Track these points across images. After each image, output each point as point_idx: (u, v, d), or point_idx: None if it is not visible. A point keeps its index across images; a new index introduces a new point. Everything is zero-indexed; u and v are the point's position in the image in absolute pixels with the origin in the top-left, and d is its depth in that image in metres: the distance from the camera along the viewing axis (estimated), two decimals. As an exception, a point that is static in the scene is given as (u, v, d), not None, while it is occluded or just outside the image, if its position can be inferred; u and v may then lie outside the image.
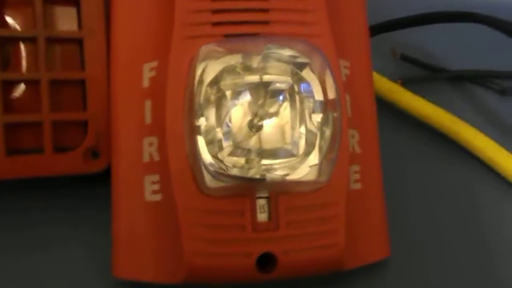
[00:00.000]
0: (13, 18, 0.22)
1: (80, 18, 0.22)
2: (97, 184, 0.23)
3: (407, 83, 0.29)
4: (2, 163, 0.21)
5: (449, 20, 0.25)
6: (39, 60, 0.21)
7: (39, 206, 0.23)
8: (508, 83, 0.31)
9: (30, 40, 0.21)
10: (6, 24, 0.22)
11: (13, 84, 0.22)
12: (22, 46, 0.22)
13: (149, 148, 0.21)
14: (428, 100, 0.28)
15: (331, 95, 0.20)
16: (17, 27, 0.22)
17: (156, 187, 0.20)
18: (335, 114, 0.19)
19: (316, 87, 0.20)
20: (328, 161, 0.19)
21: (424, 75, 0.31)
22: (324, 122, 0.19)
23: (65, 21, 0.22)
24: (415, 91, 0.29)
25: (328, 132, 0.19)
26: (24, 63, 0.22)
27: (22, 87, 0.22)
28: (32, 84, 0.22)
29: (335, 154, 0.19)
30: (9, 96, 0.22)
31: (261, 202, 0.20)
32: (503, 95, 0.31)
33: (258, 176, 0.19)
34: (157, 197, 0.20)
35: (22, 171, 0.21)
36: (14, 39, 0.21)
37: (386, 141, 0.24)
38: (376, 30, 0.28)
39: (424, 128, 0.28)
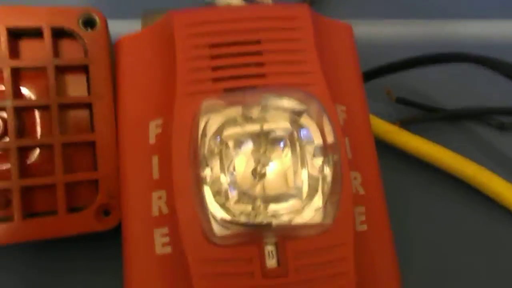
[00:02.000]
0: (28, 88, 0.23)
1: (89, 84, 0.23)
2: (106, 243, 0.24)
3: (405, 124, 0.30)
4: (18, 226, 0.22)
5: (440, 62, 0.26)
6: (53, 126, 0.23)
7: (50, 267, 0.24)
8: (506, 118, 0.32)
9: (43, 108, 0.23)
10: (21, 94, 0.23)
11: (28, 149, 0.23)
12: (36, 114, 0.23)
13: (158, 201, 0.21)
14: (428, 140, 0.29)
15: (330, 139, 0.20)
16: (32, 96, 0.23)
17: (166, 239, 0.21)
18: (335, 157, 0.20)
19: (315, 132, 0.21)
20: (331, 203, 0.20)
21: (422, 116, 0.32)
22: (325, 165, 0.20)
23: (75, 87, 0.24)
24: (414, 132, 0.29)
25: (329, 175, 0.20)
26: (38, 129, 0.23)
27: (36, 152, 0.23)
28: (46, 148, 0.23)
29: (338, 196, 0.20)
30: (25, 161, 0.23)
31: (269, 248, 0.20)
32: (502, 130, 0.31)
33: (264, 222, 0.19)
34: (168, 250, 0.21)
35: (37, 234, 0.22)
36: (29, 108, 0.23)
37: (390, 182, 0.25)
38: (370, 75, 0.29)
39: (426, 167, 0.29)
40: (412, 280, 0.24)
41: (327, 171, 0.20)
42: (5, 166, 0.22)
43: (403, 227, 0.26)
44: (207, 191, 0.19)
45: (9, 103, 0.22)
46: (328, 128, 0.20)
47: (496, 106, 0.32)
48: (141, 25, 0.26)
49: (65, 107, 0.23)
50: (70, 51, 0.24)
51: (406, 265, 0.24)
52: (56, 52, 0.23)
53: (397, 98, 0.31)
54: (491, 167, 0.28)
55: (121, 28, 0.25)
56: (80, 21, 0.23)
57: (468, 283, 0.25)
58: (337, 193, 0.20)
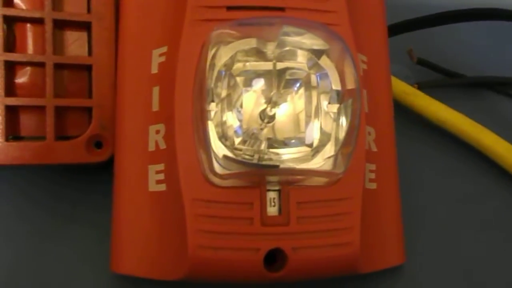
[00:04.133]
0: (22, -1, 0.21)
1: (89, 2, 0.21)
2: (98, 176, 0.22)
3: (423, 88, 0.28)
4: (1, 148, 0.20)
5: (473, 19, 0.24)
6: (46, 43, 0.21)
7: (37, 194, 0.22)
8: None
9: (37, 22, 0.21)
10: (13, 4, 0.21)
11: (17, 66, 0.21)
12: (28, 28, 0.21)
13: (156, 136, 0.20)
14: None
15: (350, 84, 0.18)
16: (25, 7, 0.21)
17: (161, 176, 0.19)
18: (354, 106, 0.18)
19: (334, 76, 0.19)
20: (343, 154, 0.18)
21: (442, 80, 0.30)
22: (341, 113, 0.18)
23: (74, 4, 0.21)
24: (431, 96, 0.27)
25: (345, 123, 0.18)
26: (30, 45, 0.21)
27: (27, 70, 0.21)
28: (38, 67, 0.21)
29: (352, 148, 0.18)
30: (13, 79, 0.21)
31: (272, 195, 0.18)
32: (524, 103, 0.30)
33: (269, 164, 0.18)
34: (162, 187, 0.19)
35: (21, 158, 0.20)
36: (21, 20, 0.21)
37: (402, 144, 0.23)
38: (395, 29, 0.27)
39: (441, 133, 0.27)
40: (416, 242, 0.23)
41: (343, 119, 0.18)
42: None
43: (412, 191, 0.24)
44: (211, 127, 0.18)
45: (-1, 12, 0.20)
46: (350, 73, 0.18)
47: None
48: None
49: (61, 24, 0.21)
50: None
51: (412, 228, 0.22)
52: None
53: (419, 59, 0.29)
54: (508, 138, 0.26)
55: None
56: None
57: (474, 252, 0.24)
58: (351, 144, 0.18)
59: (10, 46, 0.21)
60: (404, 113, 0.27)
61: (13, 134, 0.21)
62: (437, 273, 0.23)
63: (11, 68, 0.21)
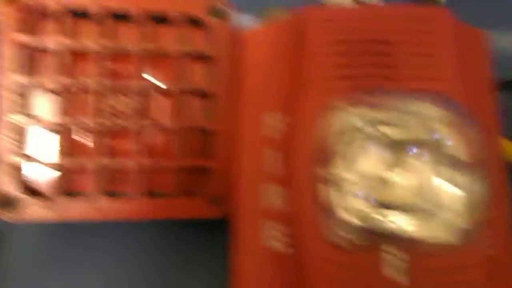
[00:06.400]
0: (154, 72, 0.24)
1: (213, 74, 0.24)
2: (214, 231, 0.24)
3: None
4: (146, 204, 0.23)
5: None
6: (175, 111, 0.23)
7: (157, 248, 0.25)
8: None
9: (168, 93, 0.24)
10: (145, 78, 0.24)
11: (151, 131, 0.24)
12: (161, 98, 0.24)
13: (274, 196, 0.21)
14: None
15: (472, 153, 0.19)
16: (157, 81, 0.24)
17: (279, 236, 0.20)
18: (481, 176, 0.18)
19: (455, 144, 0.19)
20: (473, 225, 0.18)
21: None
22: (469, 182, 0.19)
23: (199, 76, 0.24)
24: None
25: (475, 193, 0.18)
26: (161, 113, 0.24)
27: (159, 135, 0.24)
28: (167, 132, 0.24)
29: (477, 217, 0.18)
30: (148, 142, 0.24)
31: (390, 258, 0.19)
32: None
33: (389, 231, 0.18)
34: (280, 247, 0.20)
35: (160, 213, 0.23)
36: (153, 92, 0.24)
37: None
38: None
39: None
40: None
41: (472, 188, 0.18)
42: (127, 144, 0.23)
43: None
44: (331, 192, 0.19)
45: (135, 85, 0.23)
46: (471, 141, 0.19)
47: None
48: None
49: (187, 93, 0.24)
50: (197, 40, 0.24)
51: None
52: (184, 40, 0.24)
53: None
54: None
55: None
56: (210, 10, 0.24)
57: None
58: (476, 214, 0.18)
59: (144, 113, 0.24)
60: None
61: (145, 191, 0.23)
62: None
63: (146, 133, 0.24)
